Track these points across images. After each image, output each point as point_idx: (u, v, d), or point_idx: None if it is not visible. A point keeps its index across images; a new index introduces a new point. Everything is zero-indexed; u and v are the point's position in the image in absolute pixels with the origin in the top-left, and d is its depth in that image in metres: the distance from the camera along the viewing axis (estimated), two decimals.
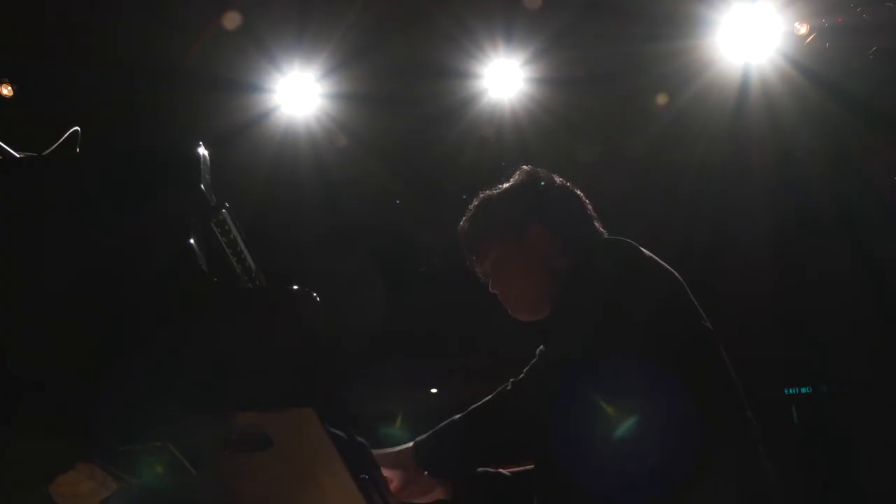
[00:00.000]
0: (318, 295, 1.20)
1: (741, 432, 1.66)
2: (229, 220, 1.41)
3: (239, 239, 1.45)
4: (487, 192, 2.11)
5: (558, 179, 2.08)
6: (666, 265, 1.81)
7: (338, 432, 1.26)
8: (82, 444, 1.19)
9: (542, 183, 2.05)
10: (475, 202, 2.12)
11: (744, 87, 5.58)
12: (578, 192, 2.07)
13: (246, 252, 1.49)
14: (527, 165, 2.11)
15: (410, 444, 1.96)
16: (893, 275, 6.49)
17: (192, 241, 1.23)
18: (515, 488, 1.90)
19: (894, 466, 6.63)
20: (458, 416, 1.98)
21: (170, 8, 4.95)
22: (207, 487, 1.40)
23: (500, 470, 1.96)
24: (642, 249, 1.79)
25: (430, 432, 1.96)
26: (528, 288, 1.98)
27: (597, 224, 2.03)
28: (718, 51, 5.42)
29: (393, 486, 1.89)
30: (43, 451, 1.21)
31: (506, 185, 2.08)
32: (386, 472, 1.86)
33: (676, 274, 1.81)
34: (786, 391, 8.11)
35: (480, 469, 1.93)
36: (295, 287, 1.20)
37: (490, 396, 2.03)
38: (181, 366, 1.13)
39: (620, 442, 1.57)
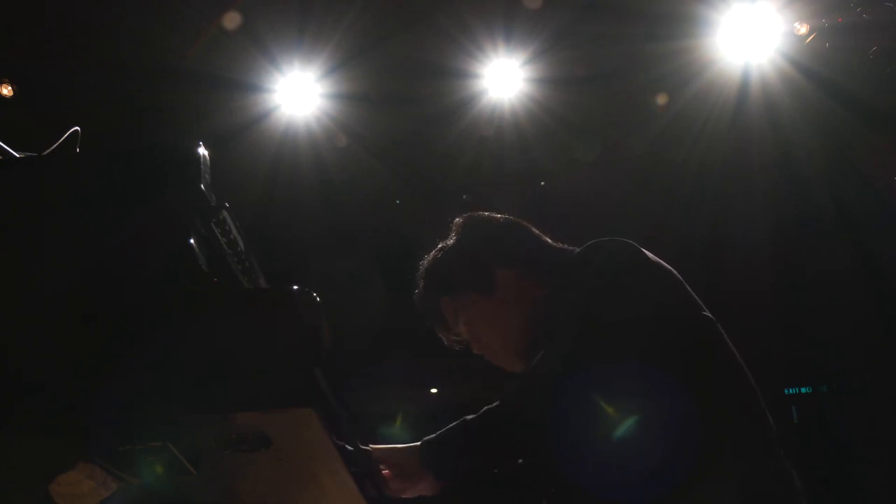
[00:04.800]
0: (318, 295, 1.20)
1: (744, 430, 1.64)
2: (229, 220, 1.41)
3: (239, 239, 1.45)
4: (430, 256, 1.99)
5: (497, 215, 1.99)
6: (659, 260, 1.78)
7: (339, 442, 1.26)
8: (82, 444, 1.19)
9: (485, 225, 1.97)
10: (422, 271, 1.98)
11: (744, 87, 5.59)
12: (520, 221, 1.99)
13: (246, 252, 1.49)
14: (461, 216, 2.01)
15: (418, 443, 1.88)
16: (893, 275, 6.49)
17: (192, 241, 1.23)
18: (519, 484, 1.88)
19: (894, 466, 6.64)
20: (470, 416, 1.93)
21: (170, 8, 4.95)
22: (207, 487, 1.40)
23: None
24: (636, 246, 1.75)
25: (438, 433, 1.88)
26: (514, 334, 1.88)
27: (552, 242, 1.96)
28: (718, 51, 5.42)
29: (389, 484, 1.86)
30: (43, 451, 1.21)
31: (450, 243, 1.98)
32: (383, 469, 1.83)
33: (669, 267, 1.78)
34: (786, 391, 8.12)
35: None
36: (295, 287, 1.20)
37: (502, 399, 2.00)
38: (181, 366, 1.13)
39: (621, 442, 1.57)
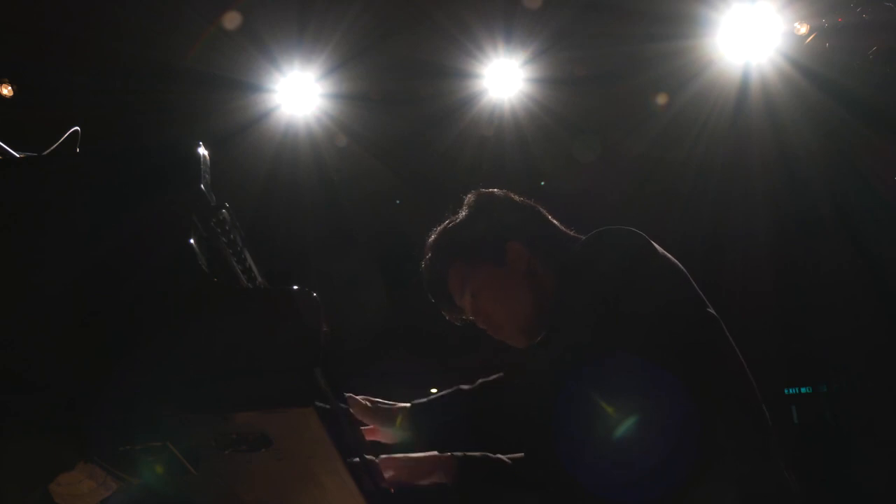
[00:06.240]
0: (318, 295, 1.20)
1: (746, 431, 1.64)
2: (229, 220, 1.41)
3: (239, 239, 1.45)
4: (444, 224, 1.98)
5: (513, 195, 1.99)
6: (664, 252, 1.76)
7: (326, 405, 1.25)
8: (82, 444, 1.19)
9: (502, 200, 1.96)
10: (433, 238, 1.96)
11: (744, 87, 5.59)
12: (535, 204, 1.99)
13: (246, 252, 1.49)
14: (483, 188, 2.02)
15: (407, 404, 1.92)
16: (893, 275, 6.49)
17: (192, 240, 1.23)
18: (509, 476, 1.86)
19: (894, 466, 6.63)
20: (466, 386, 1.90)
21: (170, 8, 4.95)
22: (207, 487, 1.40)
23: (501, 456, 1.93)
24: (642, 235, 1.73)
25: (430, 398, 1.89)
26: (520, 309, 1.86)
27: (565, 229, 1.95)
28: (718, 51, 5.42)
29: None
30: (43, 451, 1.21)
31: (464, 213, 1.97)
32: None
33: (675, 261, 1.76)
34: (786, 391, 8.11)
35: (485, 455, 1.89)
36: (295, 287, 1.20)
37: (500, 374, 1.98)
38: (181, 365, 1.13)
39: (621, 441, 1.57)
